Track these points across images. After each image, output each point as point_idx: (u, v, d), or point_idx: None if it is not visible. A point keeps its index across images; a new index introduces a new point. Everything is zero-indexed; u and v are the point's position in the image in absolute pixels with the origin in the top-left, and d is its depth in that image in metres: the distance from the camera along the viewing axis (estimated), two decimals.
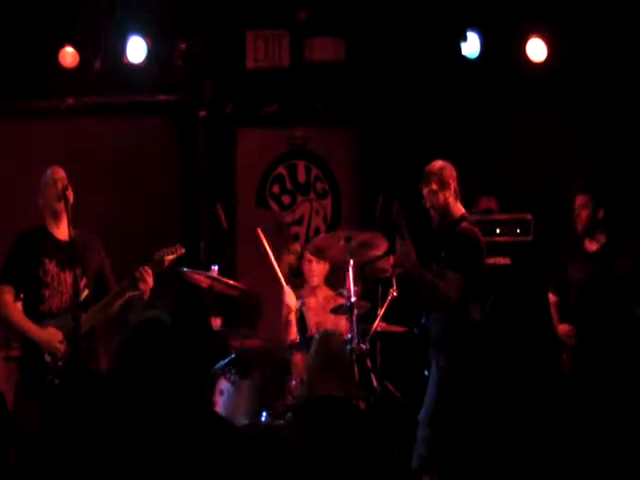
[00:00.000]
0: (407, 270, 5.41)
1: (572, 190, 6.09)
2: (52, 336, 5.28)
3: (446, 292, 5.20)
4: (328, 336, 4.94)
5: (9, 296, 5.36)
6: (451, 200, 5.45)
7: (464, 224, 5.41)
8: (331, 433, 4.16)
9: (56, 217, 5.42)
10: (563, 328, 6.11)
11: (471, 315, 5.31)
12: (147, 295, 5.42)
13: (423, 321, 5.53)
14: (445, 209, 5.44)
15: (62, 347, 5.27)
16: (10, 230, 5.75)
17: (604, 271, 5.84)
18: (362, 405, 5.44)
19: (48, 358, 5.28)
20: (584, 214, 6.00)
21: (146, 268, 5.40)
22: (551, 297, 6.26)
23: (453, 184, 5.44)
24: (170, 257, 5.51)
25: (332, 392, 4.42)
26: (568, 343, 6.04)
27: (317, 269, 6.76)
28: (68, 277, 5.36)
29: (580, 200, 6.03)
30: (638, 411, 5.78)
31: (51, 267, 5.38)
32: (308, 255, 6.76)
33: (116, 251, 5.88)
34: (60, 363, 5.27)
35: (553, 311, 6.23)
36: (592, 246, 6.02)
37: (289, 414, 4.80)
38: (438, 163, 5.50)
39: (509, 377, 6.60)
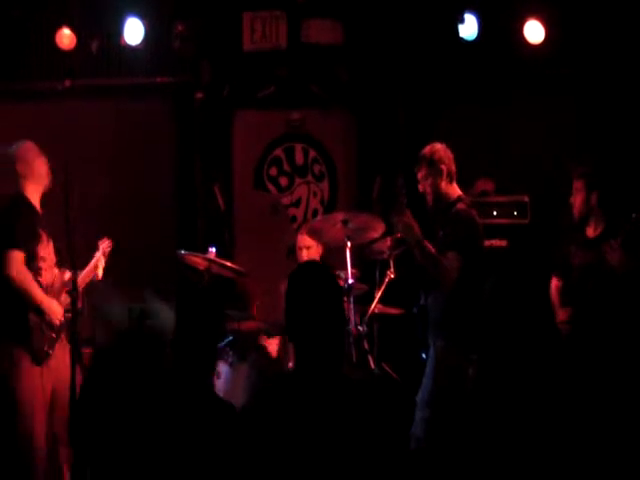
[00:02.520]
0: (409, 242, 5.33)
1: (571, 177, 6.08)
2: (59, 312, 5.33)
3: (447, 268, 5.16)
4: None
5: (22, 262, 5.19)
6: (442, 184, 5.38)
7: (459, 205, 5.37)
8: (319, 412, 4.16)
9: (38, 186, 5.39)
10: (560, 314, 6.11)
11: (469, 297, 5.31)
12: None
13: (422, 302, 5.53)
14: (437, 192, 5.39)
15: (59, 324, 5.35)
16: None
17: (600, 258, 5.83)
18: None
19: (46, 328, 5.29)
20: (578, 200, 5.99)
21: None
22: (554, 282, 6.23)
23: (445, 167, 5.37)
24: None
25: None
26: (564, 330, 6.03)
27: (308, 256, 6.66)
28: (52, 252, 5.37)
29: (575, 186, 6.03)
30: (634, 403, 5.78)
31: (44, 238, 5.35)
32: (299, 242, 6.72)
33: (112, 232, 5.91)
34: (54, 335, 5.32)
35: (555, 296, 6.21)
36: (591, 232, 6.01)
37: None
38: (428, 147, 5.45)
39: (507, 360, 6.61)
